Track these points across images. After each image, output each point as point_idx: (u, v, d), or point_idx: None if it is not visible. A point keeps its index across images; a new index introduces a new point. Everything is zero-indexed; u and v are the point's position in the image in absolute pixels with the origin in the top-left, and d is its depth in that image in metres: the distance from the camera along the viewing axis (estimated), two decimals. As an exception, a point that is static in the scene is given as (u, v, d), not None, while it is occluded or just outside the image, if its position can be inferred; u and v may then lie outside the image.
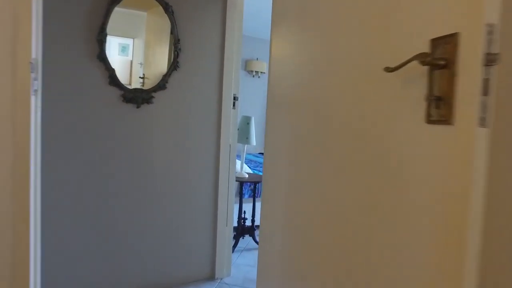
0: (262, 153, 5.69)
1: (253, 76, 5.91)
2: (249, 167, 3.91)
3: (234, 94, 2.41)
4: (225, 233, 2.45)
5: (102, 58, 1.92)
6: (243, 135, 2.99)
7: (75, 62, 1.88)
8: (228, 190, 2.40)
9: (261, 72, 5.93)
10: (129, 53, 2.01)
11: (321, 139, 0.98)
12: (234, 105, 2.42)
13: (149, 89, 2.12)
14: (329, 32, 0.97)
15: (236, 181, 2.78)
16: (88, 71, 1.92)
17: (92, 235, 2.01)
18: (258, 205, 3.53)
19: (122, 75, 2.00)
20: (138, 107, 2.09)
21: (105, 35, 1.90)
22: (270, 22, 1.30)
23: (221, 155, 2.37)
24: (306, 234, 1.07)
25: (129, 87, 2.04)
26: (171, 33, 2.14)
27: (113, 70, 1.96)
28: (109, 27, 1.90)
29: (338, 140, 0.91)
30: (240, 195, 3.18)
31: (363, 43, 0.84)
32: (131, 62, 2.05)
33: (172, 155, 2.22)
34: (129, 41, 1.98)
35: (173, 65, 2.17)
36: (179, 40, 2.15)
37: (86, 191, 1.97)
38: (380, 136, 0.79)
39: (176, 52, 2.16)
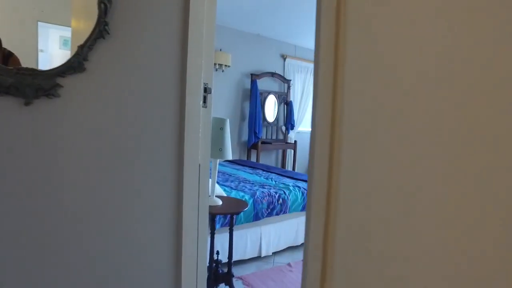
0: (230, 161, 4.79)
1: (216, 69, 5.01)
2: (217, 184, 3.01)
3: (205, 84, 1.50)
4: (194, 304, 1.54)
5: None
6: (215, 145, 2.09)
7: None
8: (197, 240, 1.48)
9: (225, 66, 5.03)
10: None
11: None
12: (205, 100, 1.51)
13: (51, 70, 1.15)
14: None
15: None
16: None
17: None
18: (236, 238, 2.63)
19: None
20: (28, 103, 1.11)
21: None
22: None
23: (185, 182, 1.44)
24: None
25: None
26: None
27: (-37, 28, 0.97)
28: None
29: None
30: (212, 228, 2.27)
31: None
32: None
33: (96, 192, 1.25)
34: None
35: (98, 29, 1.21)
36: (107, -17, 1.20)
37: None
38: None
39: (103, 5, 1.20)
